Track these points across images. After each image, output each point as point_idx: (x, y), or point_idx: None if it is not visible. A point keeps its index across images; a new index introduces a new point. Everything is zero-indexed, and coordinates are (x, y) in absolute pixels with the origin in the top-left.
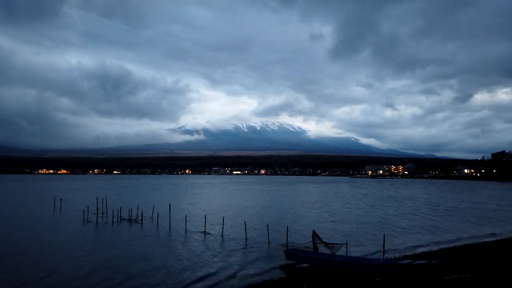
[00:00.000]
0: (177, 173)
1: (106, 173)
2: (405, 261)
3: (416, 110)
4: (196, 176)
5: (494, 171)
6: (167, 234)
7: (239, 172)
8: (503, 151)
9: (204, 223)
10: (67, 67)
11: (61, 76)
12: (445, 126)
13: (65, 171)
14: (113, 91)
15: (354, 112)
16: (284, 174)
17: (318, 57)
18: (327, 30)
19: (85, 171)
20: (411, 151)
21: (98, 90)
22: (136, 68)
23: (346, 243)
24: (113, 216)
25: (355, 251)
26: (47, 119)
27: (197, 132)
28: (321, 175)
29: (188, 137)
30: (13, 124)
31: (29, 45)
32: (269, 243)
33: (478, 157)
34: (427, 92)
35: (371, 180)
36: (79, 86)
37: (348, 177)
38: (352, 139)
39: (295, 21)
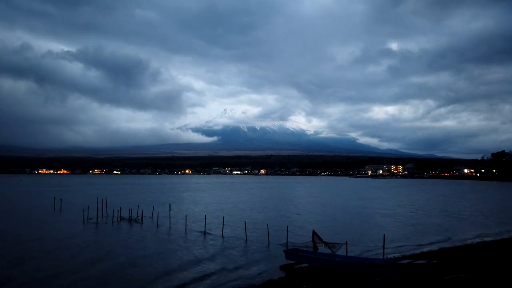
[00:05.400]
0: (177, 173)
1: (106, 173)
2: (405, 261)
3: (416, 110)
4: (196, 176)
5: (494, 171)
6: (167, 234)
7: (239, 172)
8: (503, 151)
9: (204, 223)
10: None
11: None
12: (445, 125)
13: (65, 171)
14: (111, 86)
15: (354, 112)
16: (284, 174)
17: (319, 57)
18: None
19: (85, 171)
20: (411, 151)
21: (93, 83)
22: (135, 63)
23: (346, 243)
24: (113, 215)
25: (355, 251)
26: (45, 114)
27: (197, 132)
28: (321, 175)
29: (188, 137)
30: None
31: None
32: (269, 243)
33: (478, 157)
34: (427, 91)
35: (372, 180)
36: (64, 74)
37: (348, 177)
38: (352, 139)
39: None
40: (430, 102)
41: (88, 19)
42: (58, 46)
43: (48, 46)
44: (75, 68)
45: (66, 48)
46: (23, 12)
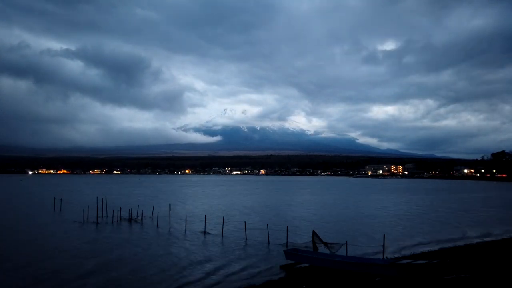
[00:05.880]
0: (177, 173)
1: (106, 173)
2: (405, 261)
3: (416, 110)
4: (196, 176)
5: (494, 171)
6: (167, 234)
7: (239, 172)
8: (503, 151)
9: (204, 223)
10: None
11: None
12: (445, 125)
13: (65, 171)
14: (111, 85)
15: (354, 112)
16: (284, 174)
17: (319, 57)
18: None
19: (85, 171)
20: (411, 151)
21: (93, 82)
22: (135, 62)
23: (346, 243)
24: (113, 216)
25: (355, 251)
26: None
27: (197, 132)
28: (321, 175)
29: (188, 137)
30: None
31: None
32: (269, 243)
33: (478, 157)
34: (426, 91)
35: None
36: (64, 73)
37: (348, 177)
38: (352, 139)
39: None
40: (430, 102)
41: (88, 18)
42: (57, 45)
43: (48, 45)
44: (75, 67)
45: (65, 47)
46: (21, 10)
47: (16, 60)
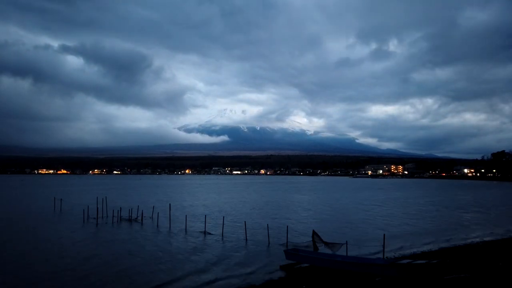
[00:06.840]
0: (177, 173)
1: (106, 173)
2: (405, 261)
3: (416, 109)
4: (196, 176)
5: (494, 171)
6: (167, 234)
7: (239, 172)
8: (503, 151)
9: (204, 223)
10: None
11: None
12: (445, 125)
13: (65, 171)
14: (111, 84)
15: (354, 111)
16: (284, 174)
17: (319, 57)
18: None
19: (85, 171)
20: (411, 151)
21: (94, 82)
22: (136, 61)
23: (346, 243)
24: (113, 216)
25: (355, 251)
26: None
27: (197, 131)
28: (321, 175)
29: (188, 137)
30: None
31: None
32: (269, 243)
33: (478, 157)
34: (426, 90)
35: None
36: (64, 73)
37: (348, 177)
38: (352, 139)
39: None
40: (430, 102)
41: (87, 16)
42: (56, 43)
43: (47, 43)
44: (75, 66)
45: (65, 45)
46: (19, 8)
47: (14, 59)
